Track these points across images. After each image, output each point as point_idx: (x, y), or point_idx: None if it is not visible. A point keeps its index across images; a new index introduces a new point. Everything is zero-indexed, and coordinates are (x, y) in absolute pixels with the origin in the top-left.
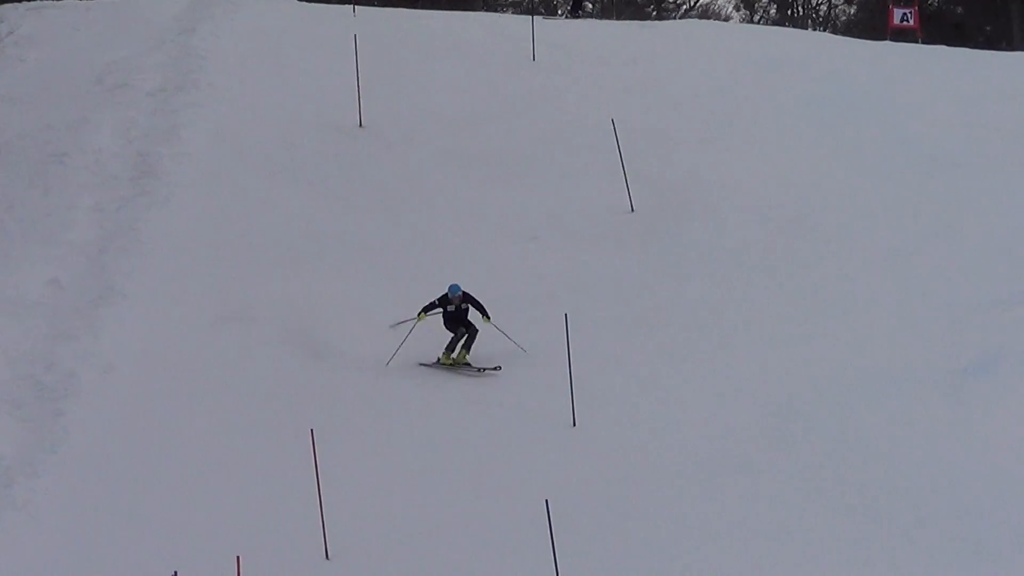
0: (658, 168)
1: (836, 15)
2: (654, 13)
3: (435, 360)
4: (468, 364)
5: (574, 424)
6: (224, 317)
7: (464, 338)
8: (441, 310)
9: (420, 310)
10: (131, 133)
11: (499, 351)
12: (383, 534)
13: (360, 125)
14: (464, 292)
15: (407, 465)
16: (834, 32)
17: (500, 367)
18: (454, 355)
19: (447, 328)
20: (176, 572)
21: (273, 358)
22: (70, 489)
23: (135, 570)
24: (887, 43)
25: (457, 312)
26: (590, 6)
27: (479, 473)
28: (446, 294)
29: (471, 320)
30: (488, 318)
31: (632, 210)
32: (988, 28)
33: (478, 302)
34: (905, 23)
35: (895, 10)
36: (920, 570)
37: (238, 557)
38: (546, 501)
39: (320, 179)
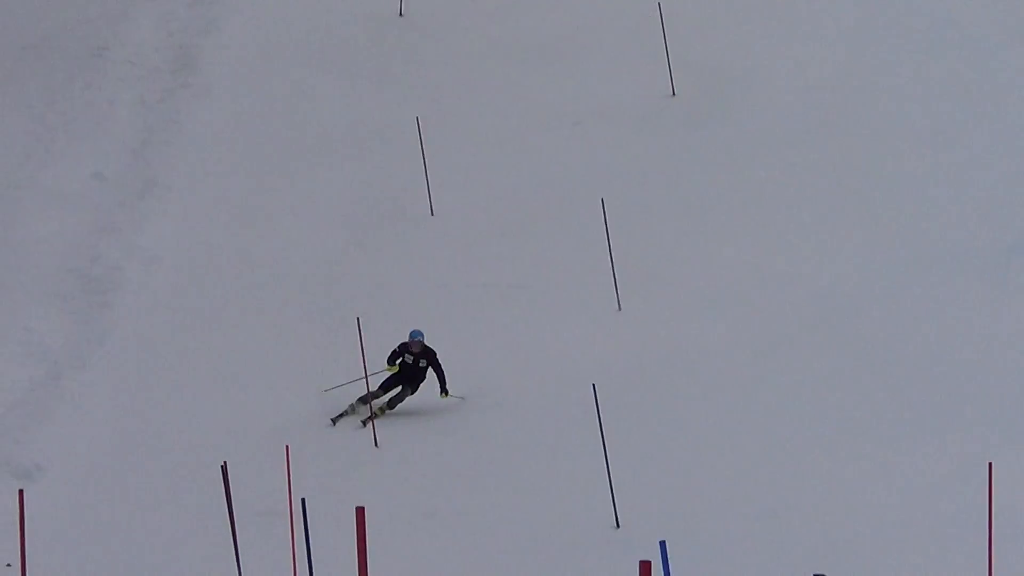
0: (700, 52)
1: None
2: None
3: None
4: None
5: (619, 308)
6: (267, 207)
7: (398, 394)
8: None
9: (387, 360)
10: (171, 26)
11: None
12: (421, 427)
13: (400, 14)
14: (427, 346)
15: (454, 351)
16: None
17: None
18: (375, 405)
19: (390, 381)
20: (225, 462)
21: (317, 246)
22: (117, 381)
23: (183, 458)
24: None
25: (413, 368)
26: None
27: (526, 356)
28: (405, 342)
29: (419, 382)
30: (446, 393)
31: (673, 94)
32: None
33: (439, 367)
34: None
35: None
36: (964, 448)
37: (287, 446)
38: (593, 385)
39: (360, 69)
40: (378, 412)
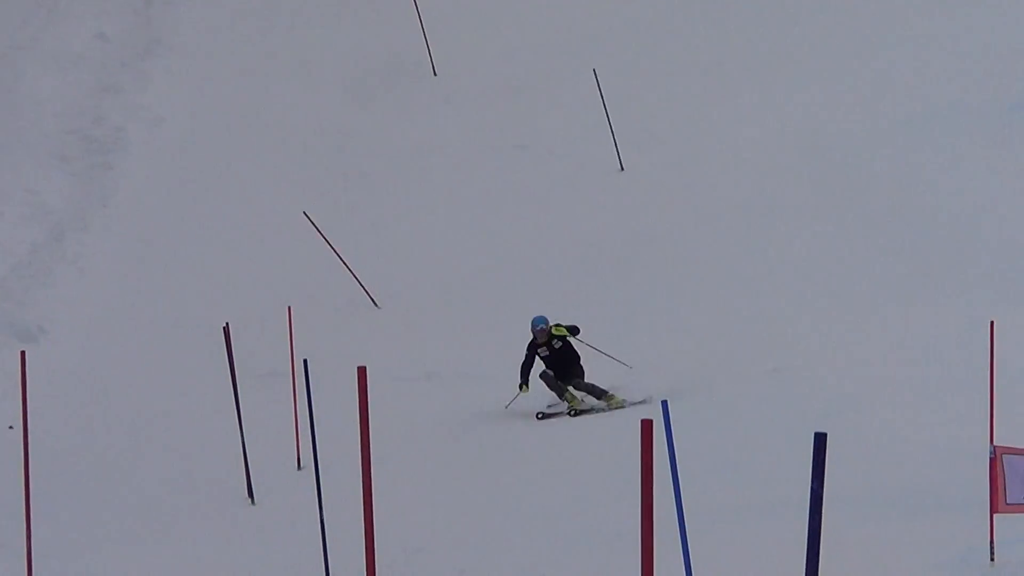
0: None
1: None
2: None
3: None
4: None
5: (621, 168)
6: (269, 67)
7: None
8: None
9: (519, 380)
10: None
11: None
12: (423, 283)
13: None
14: (553, 330)
15: (457, 212)
16: None
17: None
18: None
19: (549, 386)
20: (227, 323)
21: (320, 106)
22: (119, 242)
23: (185, 319)
24: None
25: (554, 355)
26: None
27: (530, 216)
28: (532, 340)
29: (576, 362)
30: (574, 332)
31: None
32: None
33: (571, 327)
34: None
35: None
36: (966, 306)
37: (289, 308)
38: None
39: None
40: (572, 403)
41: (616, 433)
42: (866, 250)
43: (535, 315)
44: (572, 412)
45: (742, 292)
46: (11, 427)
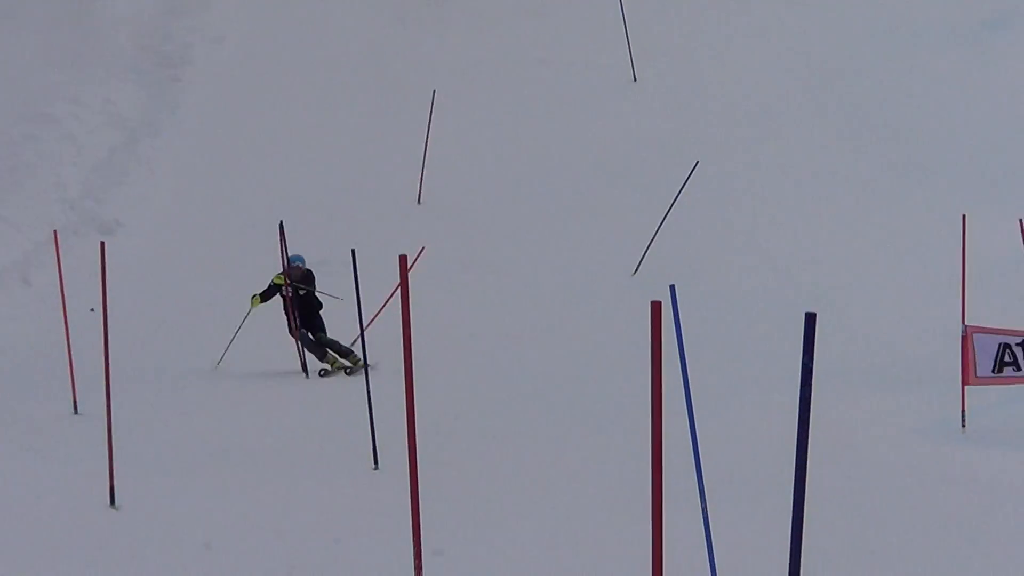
0: None
1: None
2: None
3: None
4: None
5: (635, 79)
6: None
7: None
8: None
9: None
10: None
11: None
12: (469, 187)
13: None
14: (308, 270)
15: (480, 123)
16: None
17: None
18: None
19: (308, 349)
20: (281, 221)
21: (366, 28)
22: (187, 146)
23: (241, 215)
24: None
25: (298, 299)
26: None
27: (547, 129)
28: (278, 278)
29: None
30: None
31: None
32: None
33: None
34: None
35: None
36: (940, 199)
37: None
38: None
39: None
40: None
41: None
42: (855, 149)
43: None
44: (323, 373)
45: (741, 186)
46: (92, 309)
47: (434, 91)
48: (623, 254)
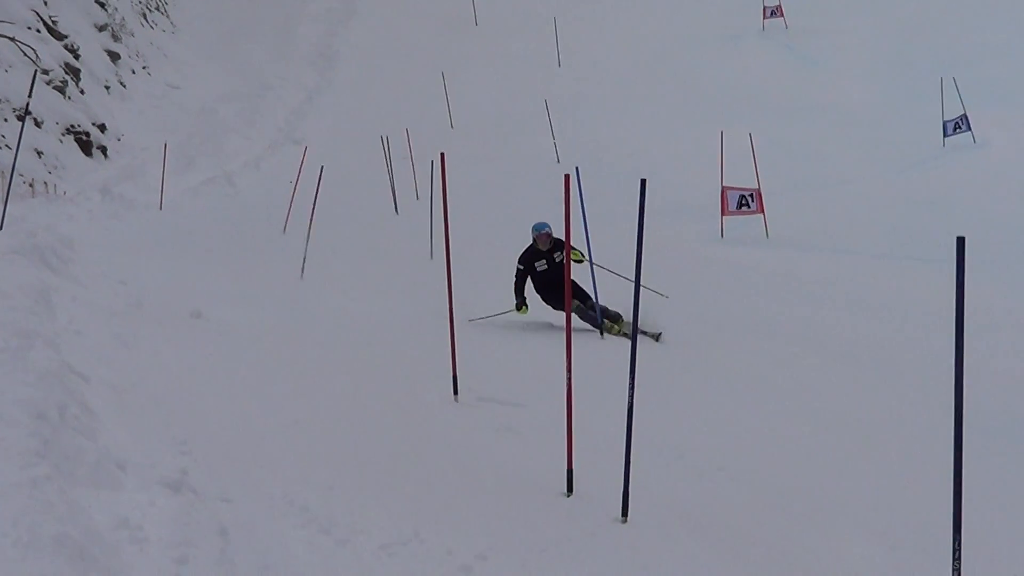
0: None
1: None
2: None
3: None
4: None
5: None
6: None
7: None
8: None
9: (516, 294)
10: None
11: None
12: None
13: None
14: (557, 239)
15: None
16: None
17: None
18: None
19: (546, 302)
20: (386, 136)
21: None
22: (338, 101)
23: (368, 141)
24: None
25: (553, 270)
26: None
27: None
28: (529, 247)
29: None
30: (583, 257)
31: None
32: None
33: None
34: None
35: None
36: (713, 128)
37: (407, 130)
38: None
39: None
40: (616, 328)
41: None
42: (675, 108)
43: (536, 221)
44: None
45: (617, 126)
46: (292, 182)
47: None
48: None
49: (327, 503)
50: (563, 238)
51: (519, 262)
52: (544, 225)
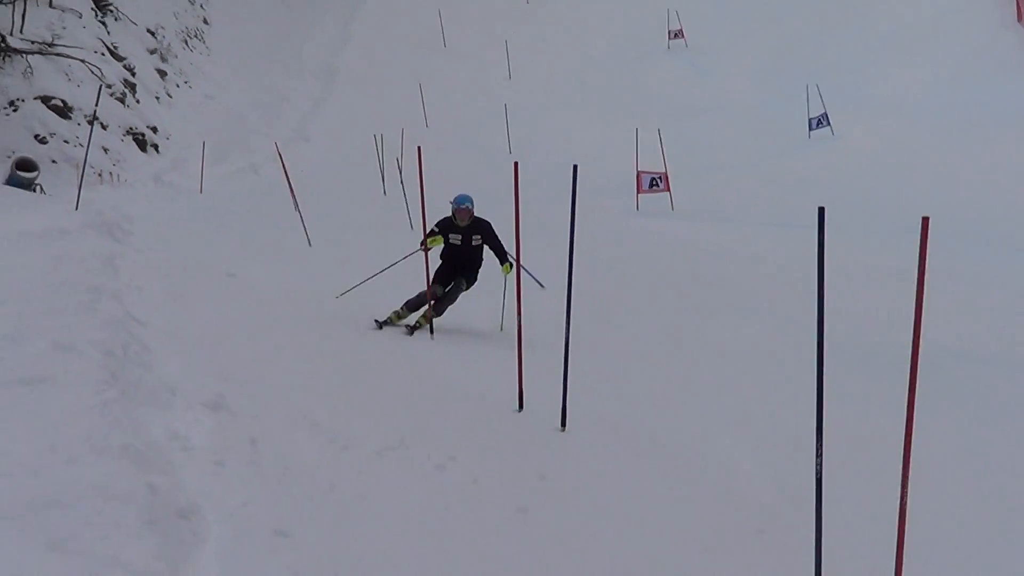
0: None
1: None
2: None
3: (382, 320)
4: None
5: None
6: None
7: (449, 290)
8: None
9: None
10: None
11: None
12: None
13: None
14: (478, 217)
15: None
16: None
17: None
18: (412, 317)
19: (437, 273)
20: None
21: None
22: (340, 107)
23: (364, 141)
24: None
25: (462, 248)
26: None
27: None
28: (449, 216)
29: (477, 267)
30: (509, 266)
31: None
32: None
33: (496, 240)
34: None
35: None
36: (633, 121)
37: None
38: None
39: None
40: (421, 322)
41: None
42: (606, 112)
43: (460, 194)
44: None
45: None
46: (303, 170)
47: None
48: None
49: (333, 418)
50: (484, 217)
51: (435, 225)
52: (466, 199)
